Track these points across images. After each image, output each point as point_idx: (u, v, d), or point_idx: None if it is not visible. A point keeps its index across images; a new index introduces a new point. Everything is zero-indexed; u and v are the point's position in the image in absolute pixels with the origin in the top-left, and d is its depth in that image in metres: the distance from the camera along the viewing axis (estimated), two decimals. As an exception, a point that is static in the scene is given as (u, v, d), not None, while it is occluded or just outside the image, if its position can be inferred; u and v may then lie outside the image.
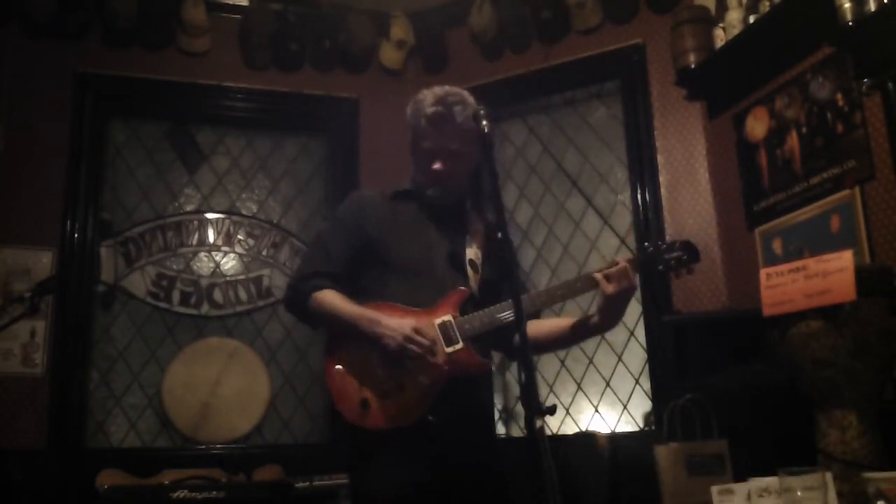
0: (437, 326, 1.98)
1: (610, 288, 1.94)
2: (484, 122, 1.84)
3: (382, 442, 1.94)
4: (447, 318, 1.99)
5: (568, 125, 4.32)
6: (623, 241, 4.02)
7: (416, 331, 1.92)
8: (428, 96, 2.12)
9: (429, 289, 2.04)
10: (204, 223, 4.32)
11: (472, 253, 2.14)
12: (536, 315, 2.18)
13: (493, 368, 2.16)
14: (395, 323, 1.94)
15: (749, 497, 1.94)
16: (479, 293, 2.09)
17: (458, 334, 1.98)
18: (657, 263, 2.01)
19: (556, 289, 2.04)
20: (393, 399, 1.95)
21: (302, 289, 2.08)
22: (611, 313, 2.01)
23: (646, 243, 2.07)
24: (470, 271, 2.11)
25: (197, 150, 4.41)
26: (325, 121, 4.51)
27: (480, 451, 2.04)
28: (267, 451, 3.93)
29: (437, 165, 2.10)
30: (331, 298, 2.04)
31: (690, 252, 2.01)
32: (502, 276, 2.10)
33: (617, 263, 1.98)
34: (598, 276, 1.97)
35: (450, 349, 1.96)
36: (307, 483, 3.28)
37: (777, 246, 3.28)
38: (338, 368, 2.02)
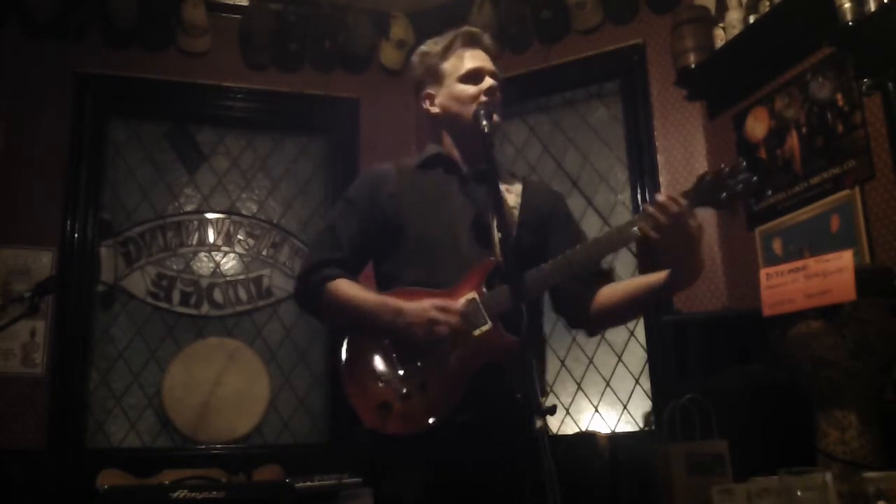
0: None
1: (655, 233, 1.62)
2: (484, 122, 1.79)
3: (405, 446, 1.72)
4: (471, 296, 1.74)
5: (568, 125, 4.32)
6: (623, 241, 4.01)
7: (439, 308, 1.69)
8: (438, 39, 1.98)
9: (452, 265, 1.80)
10: (204, 223, 4.32)
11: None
12: (607, 276, 1.90)
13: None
14: (416, 307, 1.71)
15: (749, 497, 1.94)
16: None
17: (484, 314, 1.72)
18: (720, 192, 1.63)
19: (593, 244, 1.73)
20: (416, 400, 1.72)
21: (312, 280, 1.87)
22: (681, 262, 1.69)
23: (704, 171, 1.70)
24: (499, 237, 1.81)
25: (197, 150, 4.41)
26: (325, 121, 4.51)
27: (510, 452, 1.72)
28: (267, 451, 3.93)
29: (488, 82, 1.89)
30: (345, 290, 1.83)
31: (760, 171, 1.74)
32: (543, 236, 1.88)
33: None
34: (641, 213, 1.66)
35: (476, 332, 1.71)
36: (307, 483, 3.28)
37: (777, 246, 3.28)
38: (353, 370, 1.81)
